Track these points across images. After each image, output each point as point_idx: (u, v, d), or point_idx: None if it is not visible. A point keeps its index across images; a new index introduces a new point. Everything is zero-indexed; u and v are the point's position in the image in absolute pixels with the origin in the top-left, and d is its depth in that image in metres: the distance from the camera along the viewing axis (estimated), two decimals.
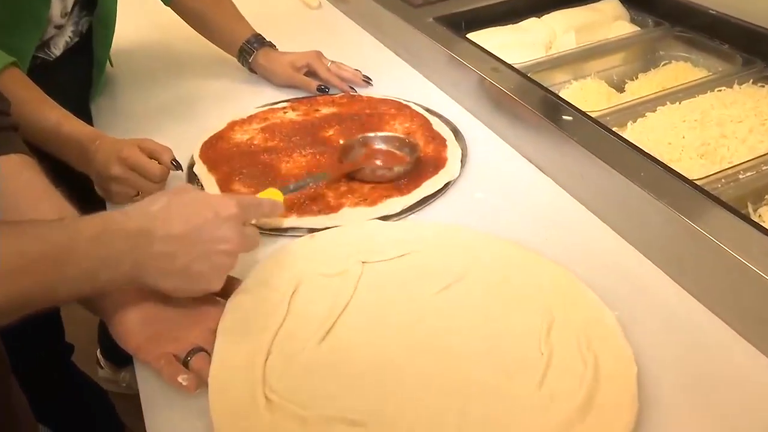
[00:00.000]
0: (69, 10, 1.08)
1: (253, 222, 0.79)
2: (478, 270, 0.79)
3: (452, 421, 0.63)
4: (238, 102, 1.20)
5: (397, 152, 1.02)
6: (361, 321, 0.74)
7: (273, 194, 0.87)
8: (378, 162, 1.00)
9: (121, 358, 1.82)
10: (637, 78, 1.20)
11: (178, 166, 0.96)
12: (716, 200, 0.80)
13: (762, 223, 0.81)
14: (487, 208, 0.93)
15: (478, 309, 0.74)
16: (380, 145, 1.03)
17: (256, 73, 1.27)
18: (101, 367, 1.86)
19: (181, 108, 1.20)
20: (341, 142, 1.05)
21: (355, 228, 0.87)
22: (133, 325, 0.74)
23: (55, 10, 1.05)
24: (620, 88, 1.19)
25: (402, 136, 1.04)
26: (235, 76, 1.29)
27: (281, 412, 0.64)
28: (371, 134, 1.04)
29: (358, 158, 1.01)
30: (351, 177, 0.97)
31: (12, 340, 0.76)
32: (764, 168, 0.90)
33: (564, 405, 0.63)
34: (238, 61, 1.27)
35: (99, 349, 1.87)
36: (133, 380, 1.93)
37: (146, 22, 1.51)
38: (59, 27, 1.08)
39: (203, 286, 0.73)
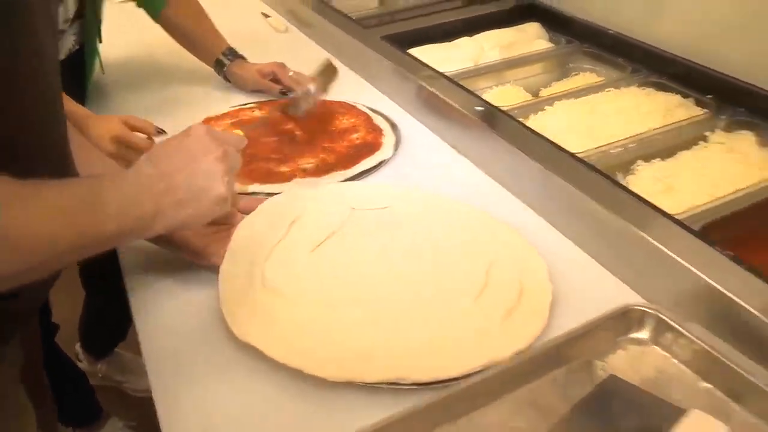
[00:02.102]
0: (70, 17, 1.27)
1: None
2: (442, 219, 1.00)
3: (405, 317, 0.84)
4: (214, 104, 1.40)
5: None
6: (346, 243, 0.96)
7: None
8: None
9: (99, 350, 1.98)
10: (550, 85, 1.43)
11: (162, 131, 1.16)
12: (592, 167, 1.03)
13: (628, 186, 1.03)
14: (413, 181, 1.14)
15: (438, 246, 0.95)
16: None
17: (229, 81, 1.49)
18: (79, 360, 1.99)
19: (164, 110, 1.40)
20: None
21: (347, 186, 1.11)
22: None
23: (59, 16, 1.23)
24: (535, 93, 1.41)
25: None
26: (211, 84, 1.50)
27: (273, 294, 0.86)
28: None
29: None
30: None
31: None
32: (631, 146, 1.13)
33: (491, 312, 0.83)
34: (215, 70, 1.49)
35: (79, 343, 2.00)
36: (110, 371, 2.10)
37: (135, 37, 1.72)
38: (61, 32, 1.27)
39: (212, 196, 0.78)
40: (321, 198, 1.05)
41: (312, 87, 1.30)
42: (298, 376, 0.77)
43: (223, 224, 0.97)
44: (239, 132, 1.04)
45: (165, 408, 0.77)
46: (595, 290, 0.91)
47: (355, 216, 1.01)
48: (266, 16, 1.94)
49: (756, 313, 0.76)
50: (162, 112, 1.38)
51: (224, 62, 1.47)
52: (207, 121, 1.32)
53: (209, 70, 1.50)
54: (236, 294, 0.87)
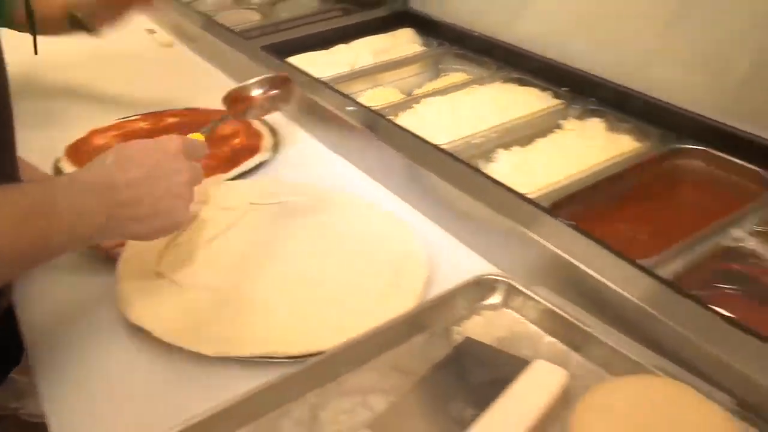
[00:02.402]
0: None
1: None
2: (331, 210, 1.07)
3: (285, 297, 0.90)
4: (99, 117, 1.43)
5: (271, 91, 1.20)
6: (242, 234, 1.02)
7: (196, 137, 0.99)
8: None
9: None
10: (423, 86, 1.51)
11: None
12: (454, 157, 1.11)
13: (489, 173, 1.12)
14: (290, 178, 1.21)
15: (326, 235, 1.02)
16: (256, 92, 1.20)
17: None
18: None
19: (48, 123, 1.42)
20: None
21: (244, 183, 1.18)
22: None
23: None
24: (409, 94, 1.49)
25: (270, 75, 1.22)
26: (95, 97, 1.53)
27: (165, 279, 0.92)
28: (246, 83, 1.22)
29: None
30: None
31: None
32: (492, 135, 1.22)
33: (368, 291, 0.91)
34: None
35: None
36: (4, 398, 2.04)
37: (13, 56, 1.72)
38: None
39: (174, 220, 0.79)
40: (220, 194, 1.11)
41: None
42: (186, 357, 0.82)
43: None
44: (198, 136, 1.01)
45: (47, 386, 0.82)
46: (460, 266, 0.98)
47: (254, 211, 1.07)
48: (151, 31, 1.97)
49: (595, 274, 0.85)
50: (46, 125, 1.40)
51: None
52: (93, 134, 1.35)
53: (93, 82, 1.52)
54: (131, 282, 0.91)
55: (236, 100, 1.18)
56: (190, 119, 1.41)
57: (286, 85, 1.20)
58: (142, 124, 1.40)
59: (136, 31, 1.97)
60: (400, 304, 0.88)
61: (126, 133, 1.36)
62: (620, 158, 1.15)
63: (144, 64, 1.71)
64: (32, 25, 1.29)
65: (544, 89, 1.37)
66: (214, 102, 1.44)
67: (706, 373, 0.73)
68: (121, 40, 1.68)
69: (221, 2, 2.17)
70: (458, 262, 0.99)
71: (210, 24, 1.80)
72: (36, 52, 1.32)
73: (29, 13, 1.28)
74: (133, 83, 1.60)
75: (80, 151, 1.28)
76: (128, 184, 0.74)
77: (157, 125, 1.40)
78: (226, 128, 1.36)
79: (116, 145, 0.79)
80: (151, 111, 1.46)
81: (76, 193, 0.71)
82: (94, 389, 0.81)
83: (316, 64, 1.53)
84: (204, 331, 0.84)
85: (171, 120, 1.41)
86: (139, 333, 0.85)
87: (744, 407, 0.69)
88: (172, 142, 0.79)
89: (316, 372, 0.76)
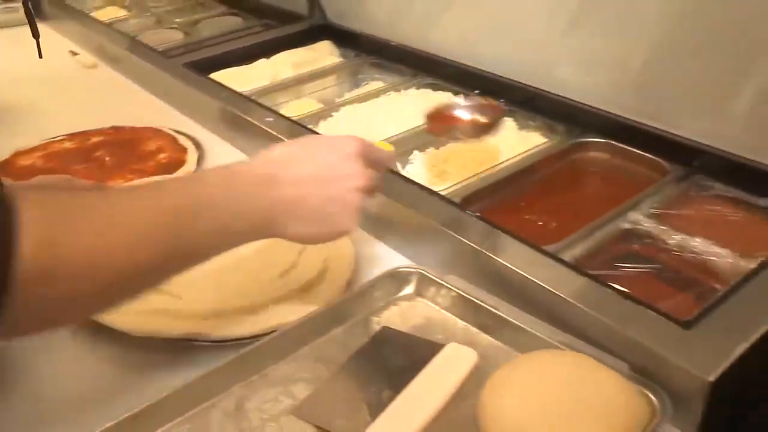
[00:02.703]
0: None
1: None
2: None
3: (218, 287, 0.93)
4: (23, 141, 1.44)
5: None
6: None
7: (384, 146, 0.96)
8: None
9: None
10: (343, 96, 1.57)
11: None
12: None
13: (406, 175, 1.17)
14: None
15: None
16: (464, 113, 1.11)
17: None
18: None
19: None
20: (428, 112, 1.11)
21: None
22: None
23: None
24: (329, 104, 1.54)
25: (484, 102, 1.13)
26: (20, 121, 1.55)
27: None
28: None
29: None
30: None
31: None
32: (408, 138, 1.27)
33: (292, 285, 0.94)
34: None
35: None
36: None
37: None
38: None
39: (338, 228, 0.72)
40: None
41: None
42: (120, 340, 0.86)
43: None
44: (387, 145, 0.94)
45: None
46: (379, 262, 1.02)
47: None
48: (74, 53, 1.98)
49: (502, 261, 0.90)
50: None
51: None
52: (16, 155, 1.37)
53: (16, 104, 1.53)
54: None
55: (440, 118, 1.11)
56: (114, 138, 1.44)
57: (497, 115, 1.12)
58: (68, 144, 1.42)
59: (59, 54, 1.98)
60: (321, 300, 0.92)
61: (51, 154, 1.38)
62: (529, 153, 1.21)
63: (68, 85, 1.72)
64: (35, 29, 1.34)
65: (456, 93, 1.44)
66: (139, 120, 1.49)
67: (604, 343, 0.79)
68: (44, 62, 1.70)
69: (144, 23, 2.19)
70: (377, 258, 1.04)
71: (133, 44, 1.83)
72: (40, 56, 1.36)
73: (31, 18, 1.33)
74: (58, 105, 1.62)
75: (4, 173, 1.29)
76: (293, 182, 0.68)
77: (83, 144, 1.42)
78: (151, 143, 1.39)
79: (286, 141, 0.74)
80: (76, 131, 1.48)
81: (232, 187, 0.65)
82: (9, 367, 0.84)
83: (238, 78, 1.57)
84: (142, 316, 0.87)
85: (96, 139, 1.43)
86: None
87: (636, 371, 0.75)
88: (350, 143, 0.72)
89: (241, 365, 0.80)
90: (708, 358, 0.73)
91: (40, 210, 0.52)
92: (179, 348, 0.86)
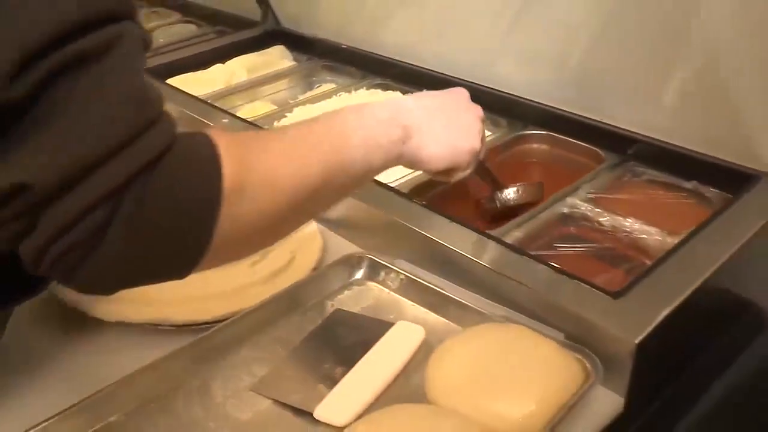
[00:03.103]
0: None
1: None
2: None
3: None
4: None
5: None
6: None
7: None
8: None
9: None
10: (297, 98, 1.62)
11: None
12: None
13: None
14: None
15: None
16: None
17: None
18: None
19: None
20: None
21: None
22: None
23: None
24: (285, 105, 1.59)
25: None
26: None
27: None
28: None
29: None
30: None
31: None
32: None
33: (259, 274, 0.99)
34: None
35: None
36: None
37: None
38: None
39: (466, 144, 0.81)
40: None
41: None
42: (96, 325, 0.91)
43: None
44: None
45: None
46: (334, 249, 1.07)
47: None
48: None
49: (446, 244, 0.96)
50: None
51: None
52: None
53: None
54: None
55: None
56: None
57: (537, 188, 1.13)
58: None
59: None
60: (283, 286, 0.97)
61: None
62: None
63: None
64: None
65: (405, 92, 1.49)
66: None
67: (541, 315, 0.85)
68: None
69: None
70: (332, 246, 1.09)
71: None
72: None
73: None
74: None
75: None
76: (421, 107, 0.77)
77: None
78: None
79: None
80: None
81: (365, 115, 0.73)
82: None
83: (194, 83, 1.61)
84: (103, 300, 0.91)
85: None
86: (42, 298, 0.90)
87: (571, 339, 0.82)
88: (462, 92, 0.85)
89: (204, 348, 0.85)
90: (634, 323, 0.79)
91: (232, 139, 0.60)
92: (148, 331, 0.90)
